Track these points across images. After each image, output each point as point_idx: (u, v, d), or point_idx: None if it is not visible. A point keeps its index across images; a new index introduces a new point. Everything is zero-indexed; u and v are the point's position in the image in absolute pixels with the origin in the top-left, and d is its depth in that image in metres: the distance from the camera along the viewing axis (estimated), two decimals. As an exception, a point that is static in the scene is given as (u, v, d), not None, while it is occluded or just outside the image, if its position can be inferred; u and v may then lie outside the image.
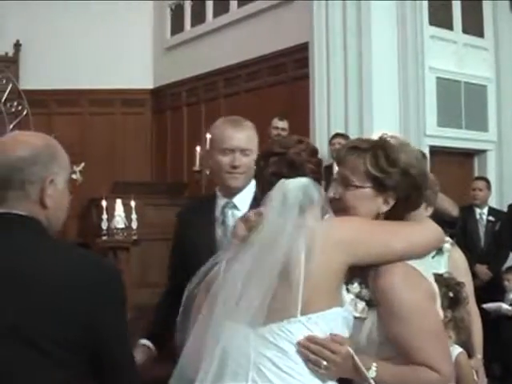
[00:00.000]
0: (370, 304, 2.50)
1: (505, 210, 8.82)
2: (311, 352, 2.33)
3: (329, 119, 9.48)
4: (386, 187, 2.54)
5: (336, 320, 2.39)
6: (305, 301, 2.32)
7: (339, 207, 2.58)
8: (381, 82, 9.28)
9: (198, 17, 13.58)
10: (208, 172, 8.91)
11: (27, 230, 2.24)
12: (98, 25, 13.75)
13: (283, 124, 9.33)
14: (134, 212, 9.75)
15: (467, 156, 10.64)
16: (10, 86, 12.90)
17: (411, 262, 2.50)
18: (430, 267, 2.66)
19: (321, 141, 9.26)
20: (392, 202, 2.56)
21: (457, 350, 3.63)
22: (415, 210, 2.66)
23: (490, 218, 8.87)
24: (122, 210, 9.68)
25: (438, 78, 9.86)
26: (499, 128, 10.42)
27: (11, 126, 12.36)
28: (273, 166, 2.56)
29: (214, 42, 12.77)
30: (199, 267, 2.58)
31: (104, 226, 9.74)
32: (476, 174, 10.26)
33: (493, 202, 9.38)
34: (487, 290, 7.67)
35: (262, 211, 2.51)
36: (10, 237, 2.21)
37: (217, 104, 12.80)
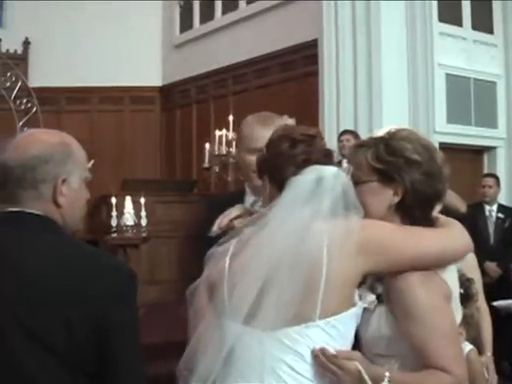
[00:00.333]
0: (379, 299, 2.49)
1: (514, 207, 8.82)
2: (320, 364, 2.32)
3: (338, 116, 9.47)
4: (391, 178, 2.52)
5: (351, 320, 2.37)
6: (323, 304, 2.27)
7: None
8: (390, 78, 9.26)
9: (207, 14, 13.58)
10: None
11: (39, 228, 2.23)
12: (106, 22, 13.78)
13: (292, 122, 9.32)
14: (143, 209, 9.78)
15: (477, 153, 10.62)
16: (20, 83, 12.93)
17: None
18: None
19: (330, 137, 9.24)
20: (401, 192, 2.52)
21: (468, 347, 3.62)
22: (437, 200, 2.63)
23: (500, 215, 8.84)
24: (131, 207, 9.71)
25: (447, 74, 9.83)
26: (509, 125, 10.39)
27: (21, 124, 12.39)
28: (305, 152, 2.47)
29: (223, 40, 12.78)
30: None
31: (113, 223, 9.77)
32: (485, 171, 10.23)
33: (502, 198, 9.34)
34: (496, 288, 7.65)
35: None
36: (21, 235, 2.20)
37: (226, 101, 12.80)
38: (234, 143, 10.63)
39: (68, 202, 2.28)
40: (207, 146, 10.81)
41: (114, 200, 9.85)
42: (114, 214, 9.80)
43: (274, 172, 2.49)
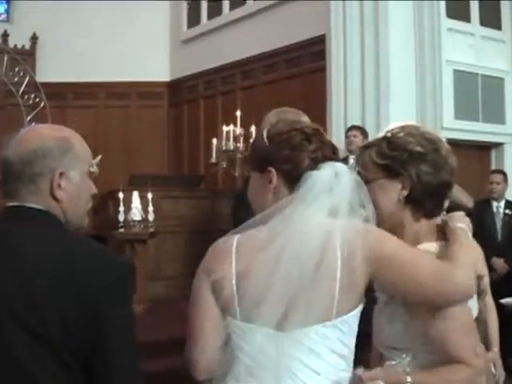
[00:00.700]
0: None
1: (522, 203, 8.81)
2: None
3: (345, 112, 9.46)
4: (397, 172, 2.56)
5: (359, 314, 2.37)
6: (339, 304, 2.27)
7: None
8: (398, 74, 9.25)
9: (215, 9, 13.59)
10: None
11: (39, 223, 2.23)
12: (114, 18, 13.81)
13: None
14: (150, 204, 9.78)
15: (484, 149, 10.60)
16: (28, 78, 12.94)
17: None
18: None
19: (337, 133, 9.25)
20: (409, 184, 2.56)
21: (475, 343, 3.62)
22: (447, 189, 2.65)
23: (507, 211, 8.83)
24: (138, 203, 9.71)
25: (455, 70, 9.81)
26: (516, 121, 10.39)
27: (28, 119, 12.40)
28: (320, 148, 2.43)
29: (231, 35, 12.78)
30: None
31: (121, 218, 9.77)
32: (493, 167, 10.21)
33: (510, 195, 9.33)
34: (504, 284, 7.64)
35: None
36: (21, 230, 2.20)
37: (233, 97, 12.82)
38: (241, 138, 10.64)
39: (68, 197, 2.28)
40: (214, 141, 10.81)
41: (121, 195, 9.85)
42: (122, 209, 9.80)
43: (287, 165, 2.40)
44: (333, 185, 2.33)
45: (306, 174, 2.35)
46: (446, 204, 2.91)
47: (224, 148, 10.75)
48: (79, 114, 13.72)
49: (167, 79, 14.73)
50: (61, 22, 13.70)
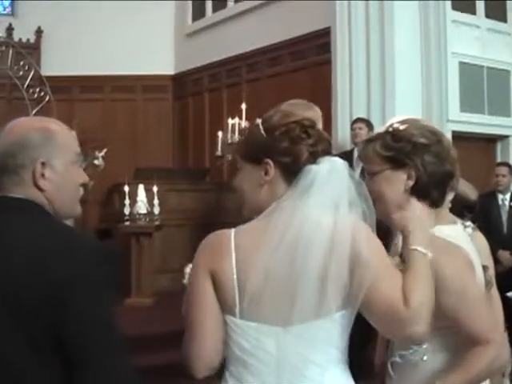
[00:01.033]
0: None
1: (528, 196, 8.79)
2: None
3: (351, 104, 9.45)
4: (402, 163, 2.60)
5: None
6: (339, 298, 2.25)
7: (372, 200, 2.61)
8: (403, 67, 9.24)
9: (219, 2, 13.57)
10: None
11: (16, 210, 2.24)
12: (119, 11, 13.80)
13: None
14: (156, 197, 9.79)
15: (490, 141, 10.59)
16: (33, 72, 12.95)
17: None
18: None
19: (343, 126, 9.25)
20: (414, 175, 2.58)
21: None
22: (450, 179, 2.67)
23: (513, 203, 8.83)
24: (144, 196, 9.73)
25: (460, 63, 9.80)
26: (522, 113, 10.37)
27: (33, 113, 12.41)
28: (319, 141, 2.40)
29: (236, 28, 12.77)
30: None
31: (126, 211, 9.79)
32: (498, 160, 10.21)
33: (515, 187, 9.33)
34: (510, 277, 7.63)
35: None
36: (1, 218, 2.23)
37: (239, 89, 12.81)
38: (246, 131, 10.62)
39: (53, 186, 2.29)
40: (220, 134, 10.81)
41: (126, 188, 9.87)
42: (127, 202, 9.82)
43: (286, 158, 2.35)
44: (332, 180, 2.31)
45: (305, 168, 2.32)
46: (451, 196, 2.92)
47: (229, 141, 10.74)
48: (85, 108, 13.76)
49: (172, 72, 14.73)
50: (65, 16, 13.70)
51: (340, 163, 2.35)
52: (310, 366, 2.28)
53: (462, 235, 2.64)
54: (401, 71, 9.21)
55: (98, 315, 2.14)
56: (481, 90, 10.06)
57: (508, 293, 6.81)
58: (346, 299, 2.26)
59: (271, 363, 2.27)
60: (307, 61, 11.40)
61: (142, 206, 9.73)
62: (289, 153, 2.35)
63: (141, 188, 9.76)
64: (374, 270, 2.24)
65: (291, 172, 2.34)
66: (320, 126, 3.59)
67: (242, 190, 2.47)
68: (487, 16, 10.29)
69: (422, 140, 2.59)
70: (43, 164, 2.27)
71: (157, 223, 9.88)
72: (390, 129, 2.66)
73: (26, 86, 12.81)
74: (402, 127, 2.64)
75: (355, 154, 7.98)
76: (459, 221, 2.79)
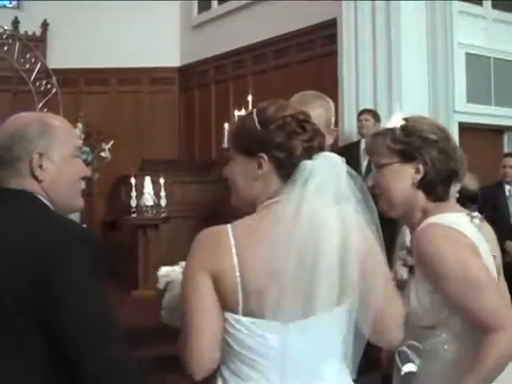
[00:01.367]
0: (411, 271, 2.59)
1: (535, 186, 8.77)
2: None
3: (357, 96, 9.43)
4: (411, 157, 2.64)
5: None
6: (342, 293, 2.26)
7: (378, 193, 2.67)
8: (409, 57, 9.22)
9: (225, -6, 13.55)
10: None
11: (9, 199, 2.27)
12: (125, 3, 13.76)
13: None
14: (162, 189, 9.81)
15: (497, 132, 10.57)
16: (39, 64, 12.95)
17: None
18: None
19: (349, 118, 9.24)
20: (423, 169, 2.62)
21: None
22: (454, 177, 2.70)
23: (520, 194, 8.82)
24: (150, 188, 9.75)
25: (467, 53, 9.78)
26: (529, 104, 10.35)
27: (40, 105, 12.42)
28: (316, 136, 2.37)
29: (241, 20, 12.74)
30: None
31: (133, 203, 9.82)
32: (505, 151, 10.19)
33: (523, 178, 9.32)
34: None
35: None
36: None
37: (245, 81, 12.79)
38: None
39: (50, 177, 2.31)
40: (226, 126, 10.80)
41: (133, 180, 9.89)
42: (134, 194, 9.85)
43: (281, 152, 2.32)
44: (329, 176, 2.27)
45: (301, 164, 2.28)
46: (458, 187, 2.94)
47: (236, 133, 10.73)
48: (91, 100, 13.76)
49: (178, 64, 14.72)
50: (71, 8, 13.68)
51: (336, 159, 2.31)
52: (313, 360, 2.28)
53: (466, 222, 2.63)
54: (407, 62, 9.19)
55: (88, 307, 2.12)
56: (487, 81, 10.05)
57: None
58: (347, 294, 2.27)
59: (275, 359, 2.24)
60: (313, 52, 11.37)
61: (148, 198, 9.75)
62: (284, 147, 2.31)
63: (147, 180, 9.77)
64: (365, 264, 2.28)
65: (285, 167, 2.31)
66: (332, 117, 3.60)
67: (234, 181, 2.42)
68: (494, 6, 10.27)
69: (432, 136, 2.64)
70: (40, 155, 2.29)
71: (163, 215, 9.90)
72: (399, 124, 2.69)
73: (32, 78, 12.80)
74: (411, 122, 2.69)
75: (362, 145, 7.98)
76: (466, 211, 2.79)
